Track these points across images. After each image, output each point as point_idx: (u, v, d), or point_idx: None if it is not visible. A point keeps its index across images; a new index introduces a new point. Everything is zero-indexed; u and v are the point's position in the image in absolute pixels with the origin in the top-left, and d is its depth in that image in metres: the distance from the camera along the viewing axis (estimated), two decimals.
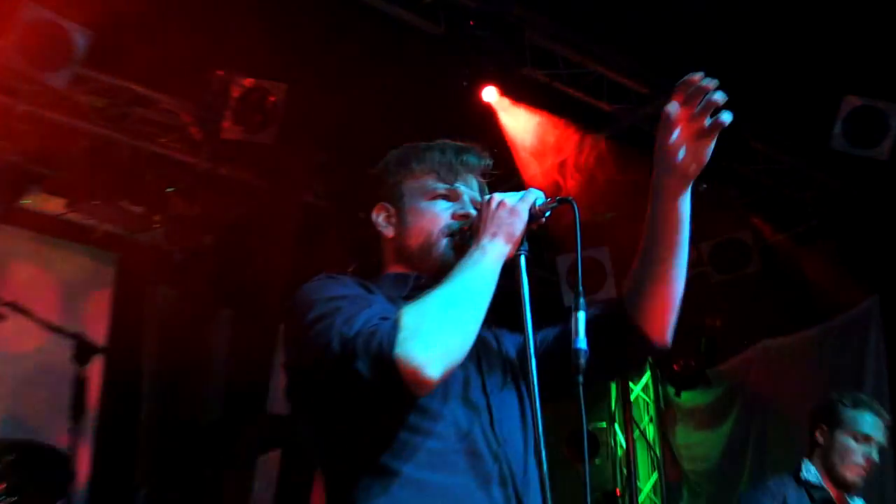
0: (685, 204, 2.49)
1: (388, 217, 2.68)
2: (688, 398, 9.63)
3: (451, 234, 2.58)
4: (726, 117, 2.28)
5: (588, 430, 9.79)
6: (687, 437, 9.73)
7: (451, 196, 2.65)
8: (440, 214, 2.61)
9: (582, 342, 2.21)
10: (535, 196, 2.40)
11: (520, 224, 2.37)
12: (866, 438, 4.58)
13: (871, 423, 4.60)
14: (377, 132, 6.55)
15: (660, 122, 2.37)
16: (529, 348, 2.28)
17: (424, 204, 2.63)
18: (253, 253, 7.40)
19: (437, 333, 2.13)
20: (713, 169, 7.25)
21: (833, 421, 4.65)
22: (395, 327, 2.13)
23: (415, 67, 6.38)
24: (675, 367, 9.36)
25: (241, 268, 7.58)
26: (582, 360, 2.21)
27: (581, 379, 2.21)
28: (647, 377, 10.08)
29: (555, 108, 7.04)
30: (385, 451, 2.24)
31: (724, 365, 9.43)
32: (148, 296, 7.81)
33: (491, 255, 2.33)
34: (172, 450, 7.55)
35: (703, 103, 2.28)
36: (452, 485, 2.24)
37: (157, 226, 7.35)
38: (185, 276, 7.76)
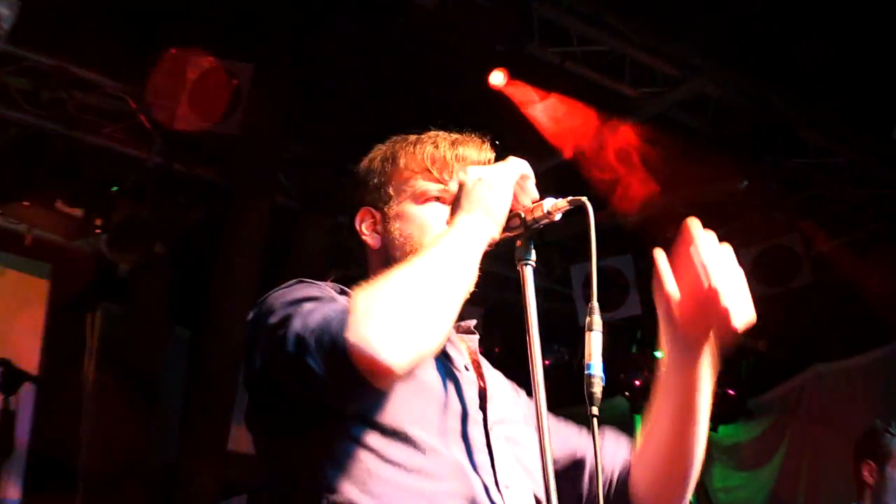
0: (701, 373, 2.48)
1: (373, 224, 2.67)
2: (726, 433, 9.63)
3: None
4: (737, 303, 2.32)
5: None
6: (725, 479, 9.73)
7: (446, 198, 2.64)
8: (433, 220, 2.60)
9: (595, 367, 2.20)
10: (520, 170, 2.40)
11: (501, 200, 2.35)
12: None
13: None
14: (361, 122, 6.58)
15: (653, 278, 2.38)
16: (536, 373, 2.26)
17: (415, 208, 2.62)
18: (213, 263, 7.41)
19: (394, 313, 2.11)
20: (756, 163, 7.29)
21: (880, 454, 4.63)
22: (346, 313, 2.12)
23: (406, 44, 6.41)
24: None
25: (199, 281, 7.58)
26: (596, 390, 2.20)
27: (596, 411, 2.19)
28: None
29: (567, 92, 7.05)
30: (362, 490, 2.23)
31: (769, 394, 9.45)
32: (88, 314, 7.80)
33: (465, 232, 2.30)
34: (117, 497, 7.53)
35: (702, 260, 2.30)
36: None
37: (100, 231, 7.35)
38: (132, 291, 7.76)
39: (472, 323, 2.75)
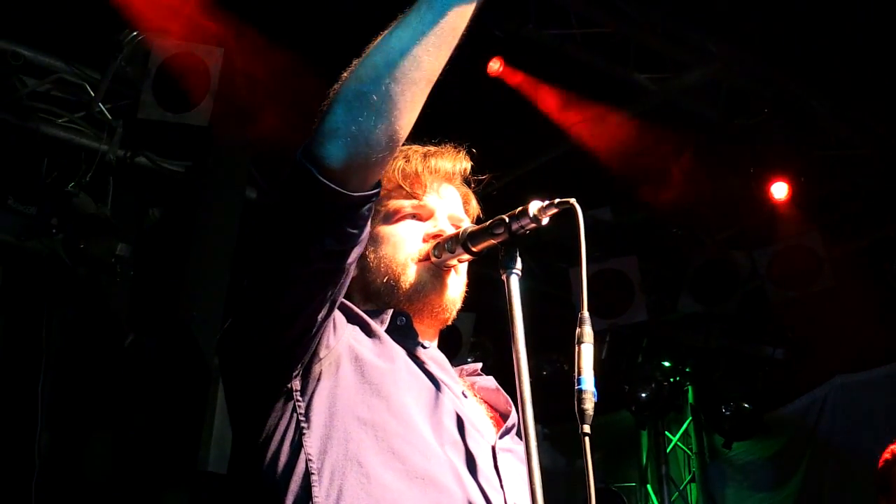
0: None
1: None
2: (741, 450, 9.65)
3: (423, 259, 2.61)
4: None
5: (613, 490, 9.83)
6: (740, 501, 9.75)
7: (421, 214, 2.68)
8: (408, 239, 2.64)
9: (586, 382, 2.22)
10: None
11: None
12: None
13: None
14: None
15: None
16: (522, 385, 2.29)
17: (389, 229, 2.67)
18: (180, 265, 7.39)
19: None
20: (772, 155, 7.29)
21: (889, 488, 4.66)
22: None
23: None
24: (723, 409, 9.38)
25: (165, 284, 7.56)
26: (588, 407, 2.22)
27: (587, 430, 2.21)
28: (687, 423, 10.10)
29: (566, 78, 7.05)
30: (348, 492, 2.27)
31: (787, 408, 9.46)
32: (44, 321, 7.78)
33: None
34: None
35: None
36: None
37: (56, 231, 7.33)
38: (92, 296, 7.74)
39: (478, 366, 2.84)
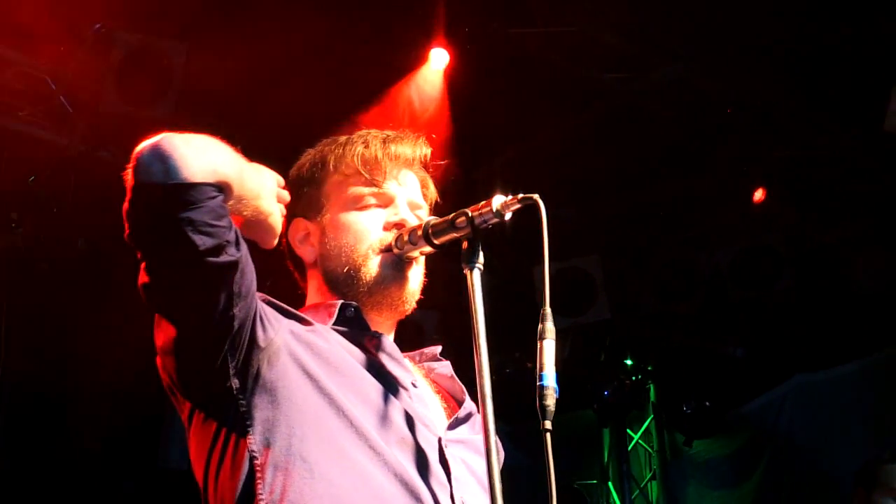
0: None
1: (306, 236, 2.73)
2: (701, 448, 9.72)
3: (385, 250, 2.62)
4: None
5: (574, 488, 9.87)
6: (700, 499, 9.82)
7: (382, 201, 2.68)
8: (369, 227, 2.65)
9: (547, 378, 2.23)
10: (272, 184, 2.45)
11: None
12: None
13: None
14: (301, 106, 6.56)
15: None
16: (483, 382, 2.29)
17: (349, 216, 2.67)
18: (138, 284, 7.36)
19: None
20: (735, 155, 7.34)
21: (869, 481, 4.73)
22: None
23: (345, 20, 6.39)
24: (684, 407, 9.44)
25: (127, 279, 7.52)
26: (549, 402, 2.23)
27: (549, 426, 2.22)
28: (649, 421, 10.15)
29: (526, 78, 7.04)
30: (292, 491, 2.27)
31: (748, 406, 9.52)
32: (3, 318, 7.72)
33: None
34: None
35: None
36: None
37: (16, 226, 7.29)
38: (53, 291, 7.69)
39: (437, 350, 2.80)
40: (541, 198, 2.38)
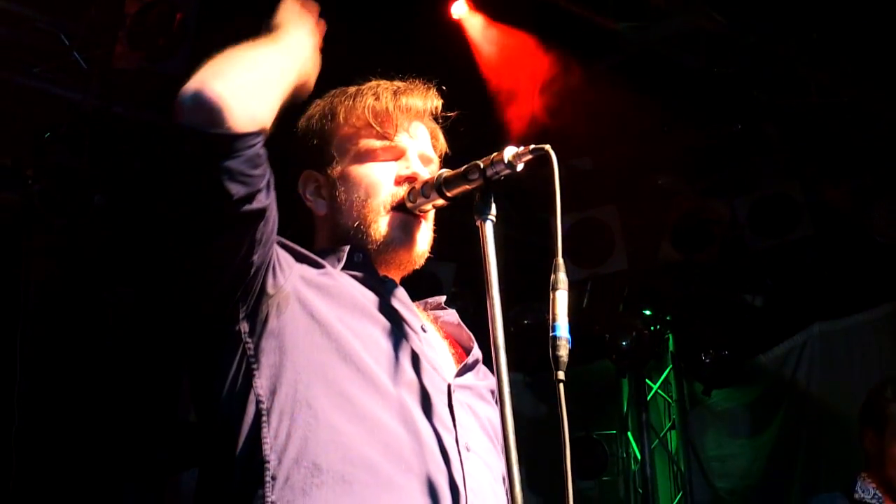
0: None
1: (317, 189, 2.73)
2: (720, 398, 9.73)
3: (396, 206, 2.62)
4: None
5: (594, 438, 9.91)
6: (720, 447, 9.84)
7: (393, 154, 2.68)
8: (380, 179, 2.64)
9: (560, 329, 2.24)
10: None
11: None
12: None
13: None
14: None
15: None
16: (496, 334, 2.30)
17: (360, 169, 2.66)
18: (158, 215, 7.37)
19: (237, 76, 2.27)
20: (751, 104, 7.29)
21: (879, 422, 4.64)
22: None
23: None
24: (703, 357, 9.45)
25: (142, 235, 7.55)
26: (562, 353, 2.24)
27: (562, 376, 2.23)
28: (667, 371, 10.16)
29: (543, 26, 7.00)
30: (303, 445, 2.28)
31: (766, 355, 9.52)
32: (21, 273, 7.76)
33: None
34: (56, 468, 7.55)
35: None
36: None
37: (32, 182, 7.31)
38: (70, 247, 7.72)
39: (442, 299, 2.81)
40: (557, 148, 2.37)
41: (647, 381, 10.18)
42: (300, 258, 2.51)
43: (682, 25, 7.06)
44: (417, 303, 2.75)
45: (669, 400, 10.15)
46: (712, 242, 8.83)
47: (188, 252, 2.32)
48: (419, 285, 2.80)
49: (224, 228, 2.26)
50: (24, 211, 7.49)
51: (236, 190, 2.20)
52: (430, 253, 2.75)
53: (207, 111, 2.17)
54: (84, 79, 6.98)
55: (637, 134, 7.95)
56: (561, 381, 2.22)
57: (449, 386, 2.50)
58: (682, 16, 6.99)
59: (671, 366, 10.12)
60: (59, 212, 7.30)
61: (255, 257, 2.31)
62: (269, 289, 2.37)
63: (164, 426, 7.92)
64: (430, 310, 2.80)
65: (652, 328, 9.73)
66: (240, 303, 2.34)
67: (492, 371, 2.35)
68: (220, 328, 2.36)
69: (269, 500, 2.23)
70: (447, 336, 2.74)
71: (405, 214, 2.62)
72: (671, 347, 10.11)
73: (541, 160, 2.39)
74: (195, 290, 2.36)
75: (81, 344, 7.80)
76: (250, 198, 2.23)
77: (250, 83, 2.27)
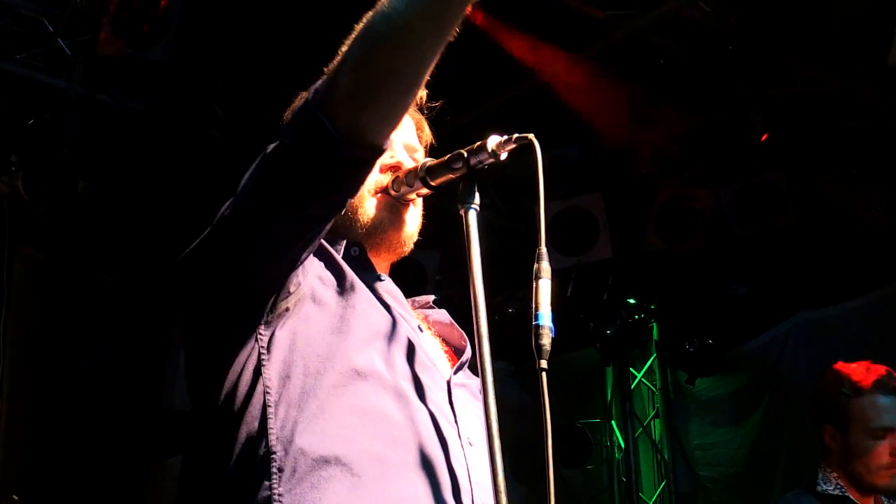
0: None
1: None
2: (704, 386, 9.75)
3: (381, 191, 2.63)
4: None
5: (578, 426, 9.94)
6: (703, 436, 9.87)
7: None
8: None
9: (543, 317, 2.25)
10: None
11: None
12: (888, 431, 4.55)
13: (890, 409, 4.57)
14: (299, 48, 6.54)
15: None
16: (479, 323, 2.30)
17: None
18: (142, 203, 7.37)
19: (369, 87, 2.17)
20: (735, 93, 7.31)
21: (840, 419, 4.61)
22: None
23: None
24: (687, 346, 9.47)
25: (126, 222, 7.55)
26: (545, 342, 2.25)
27: (545, 365, 2.24)
28: (651, 360, 10.20)
29: (527, 14, 7.01)
30: (310, 430, 2.28)
31: (750, 344, 9.55)
32: (5, 261, 7.76)
33: None
34: (42, 455, 7.55)
35: None
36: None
37: (15, 169, 7.30)
38: (53, 235, 7.72)
39: (430, 298, 2.81)
40: (542, 136, 2.37)
41: (631, 369, 10.21)
42: (317, 253, 2.52)
43: (666, 14, 7.07)
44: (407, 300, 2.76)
45: (653, 388, 10.19)
46: (697, 231, 8.85)
47: (238, 245, 2.30)
48: (403, 273, 2.81)
49: (323, 220, 2.30)
50: (8, 197, 7.49)
51: (318, 208, 2.25)
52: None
53: (370, 138, 2.18)
54: (68, 66, 6.97)
55: (622, 122, 7.95)
56: (544, 369, 2.23)
57: (448, 382, 2.52)
58: (666, 4, 7.00)
59: (655, 354, 10.16)
60: (43, 199, 7.30)
61: (304, 254, 2.34)
62: (293, 286, 2.38)
63: (148, 414, 7.91)
64: (418, 308, 2.81)
65: (636, 317, 9.76)
66: (268, 300, 2.35)
67: (475, 358, 2.35)
68: (239, 320, 2.36)
69: (276, 491, 2.21)
70: (438, 335, 2.75)
71: (390, 198, 2.63)
72: (655, 336, 10.15)
73: (525, 149, 2.39)
74: (230, 281, 2.33)
75: (65, 331, 7.79)
76: (340, 206, 2.30)
77: (405, 104, 2.26)
